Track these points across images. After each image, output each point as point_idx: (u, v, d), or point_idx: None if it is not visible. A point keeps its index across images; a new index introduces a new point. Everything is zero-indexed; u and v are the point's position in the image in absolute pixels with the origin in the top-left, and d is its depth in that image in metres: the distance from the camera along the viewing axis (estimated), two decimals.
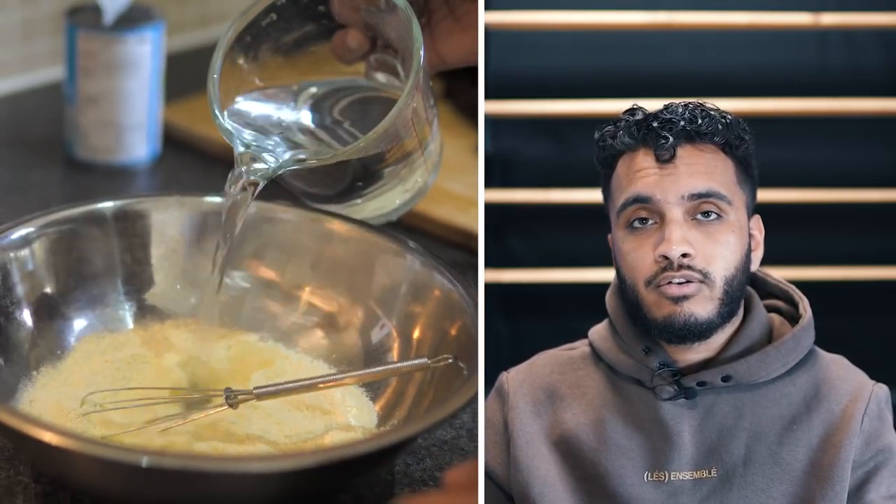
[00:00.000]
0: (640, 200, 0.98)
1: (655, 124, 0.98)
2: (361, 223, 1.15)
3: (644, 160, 0.99)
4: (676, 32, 1.49)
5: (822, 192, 1.47)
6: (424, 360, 1.05)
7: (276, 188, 1.13)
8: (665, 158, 0.98)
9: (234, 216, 1.08)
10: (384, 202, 1.16)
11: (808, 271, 1.44)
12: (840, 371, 1.01)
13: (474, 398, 0.98)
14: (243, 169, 1.07)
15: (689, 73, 1.50)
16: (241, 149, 1.08)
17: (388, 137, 1.07)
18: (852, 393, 0.99)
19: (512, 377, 1.04)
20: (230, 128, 1.09)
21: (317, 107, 1.15)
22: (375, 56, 1.14)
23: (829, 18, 1.46)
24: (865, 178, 1.49)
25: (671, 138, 0.98)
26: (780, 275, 1.05)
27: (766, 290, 1.04)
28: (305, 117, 1.15)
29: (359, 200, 1.16)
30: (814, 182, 1.48)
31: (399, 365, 1.07)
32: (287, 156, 1.08)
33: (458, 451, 1.10)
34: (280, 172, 1.08)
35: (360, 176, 1.12)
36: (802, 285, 1.04)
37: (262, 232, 1.16)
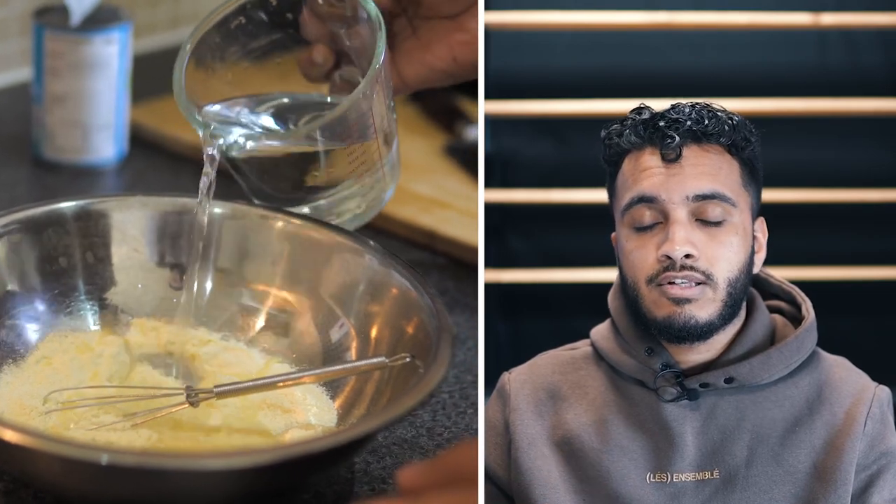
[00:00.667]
0: (645, 200, 0.98)
1: (662, 124, 0.99)
2: (320, 221, 1.16)
3: (650, 159, 0.99)
4: (676, 32, 1.49)
5: (822, 192, 1.48)
6: (382, 358, 1.05)
7: (238, 190, 1.14)
8: (671, 158, 0.98)
9: (203, 207, 1.10)
10: (343, 207, 1.17)
11: (807, 271, 1.44)
12: (842, 373, 1.01)
13: (430, 396, 0.99)
14: (206, 148, 1.08)
15: (688, 73, 1.50)
16: (202, 130, 1.09)
17: (345, 125, 1.07)
18: (855, 395, 0.99)
19: (513, 378, 1.04)
20: (192, 110, 1.10)
21: (278, 115, 1.16)
22: (339, 72, 1.14)
23: (829, 18, 1.46)
24: (865, 178, 1.49)
25: (677, 138, 0.98)
26: (779, 275, 1.05)
27: (769, 290, 1.04)
28: (267, 121, 1.16)
29: (323, 202, 1.16)
30: (813, 182, 1.48)
31: (357, 364, 1.07)
32: (245, 133, 1.09)
33: (417, 449, 1.10)
34: (240, 151, 1.09)
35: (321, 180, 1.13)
36: (802, 285, 1.04)
37: (223, 231, 1.16)
